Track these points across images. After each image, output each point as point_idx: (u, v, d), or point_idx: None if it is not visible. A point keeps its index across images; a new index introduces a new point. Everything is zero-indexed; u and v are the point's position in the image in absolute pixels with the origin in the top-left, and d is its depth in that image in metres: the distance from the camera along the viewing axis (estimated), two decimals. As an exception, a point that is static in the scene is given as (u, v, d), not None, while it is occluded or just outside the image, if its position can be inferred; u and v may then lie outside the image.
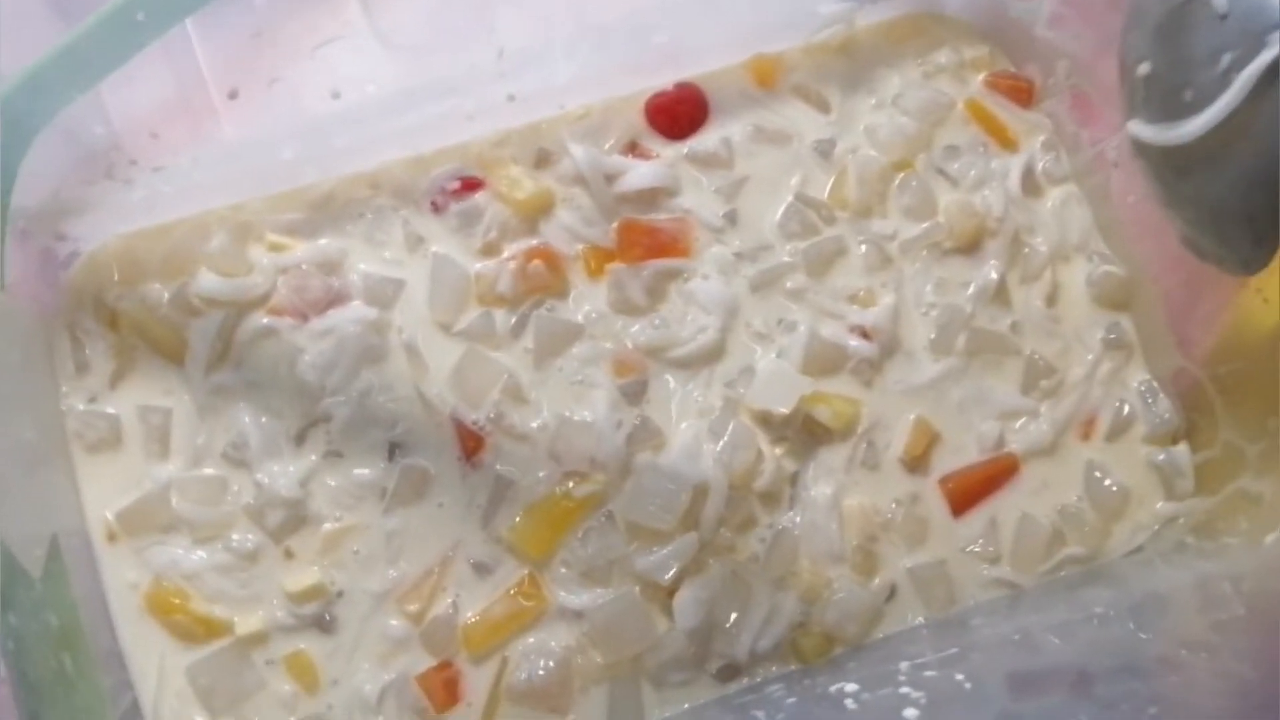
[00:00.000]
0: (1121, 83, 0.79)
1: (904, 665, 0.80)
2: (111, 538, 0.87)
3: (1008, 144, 1.02)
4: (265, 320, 0.91)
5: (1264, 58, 0.66)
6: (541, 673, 0.86)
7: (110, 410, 0.89)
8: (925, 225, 0.98)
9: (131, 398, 0.89)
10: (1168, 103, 0.73)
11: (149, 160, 0.87)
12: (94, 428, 0.88)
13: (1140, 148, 0.78)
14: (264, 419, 0.89)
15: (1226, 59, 0.68)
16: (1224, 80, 0.68)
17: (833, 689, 0.79)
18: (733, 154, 0.99)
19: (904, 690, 0.75)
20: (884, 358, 0.95)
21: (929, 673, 0.78)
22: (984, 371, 0.97)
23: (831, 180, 0.99)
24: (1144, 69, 0.75)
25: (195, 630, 0.85)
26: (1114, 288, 1.00)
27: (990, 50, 1.04)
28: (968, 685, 0.74)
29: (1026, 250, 0.99)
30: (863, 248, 0.98)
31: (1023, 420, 0.96)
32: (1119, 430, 0.97)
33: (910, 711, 0.71)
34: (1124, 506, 0.95)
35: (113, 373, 0.89)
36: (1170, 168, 0.75)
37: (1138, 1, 0.78)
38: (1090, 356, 0.98)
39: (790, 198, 0.98)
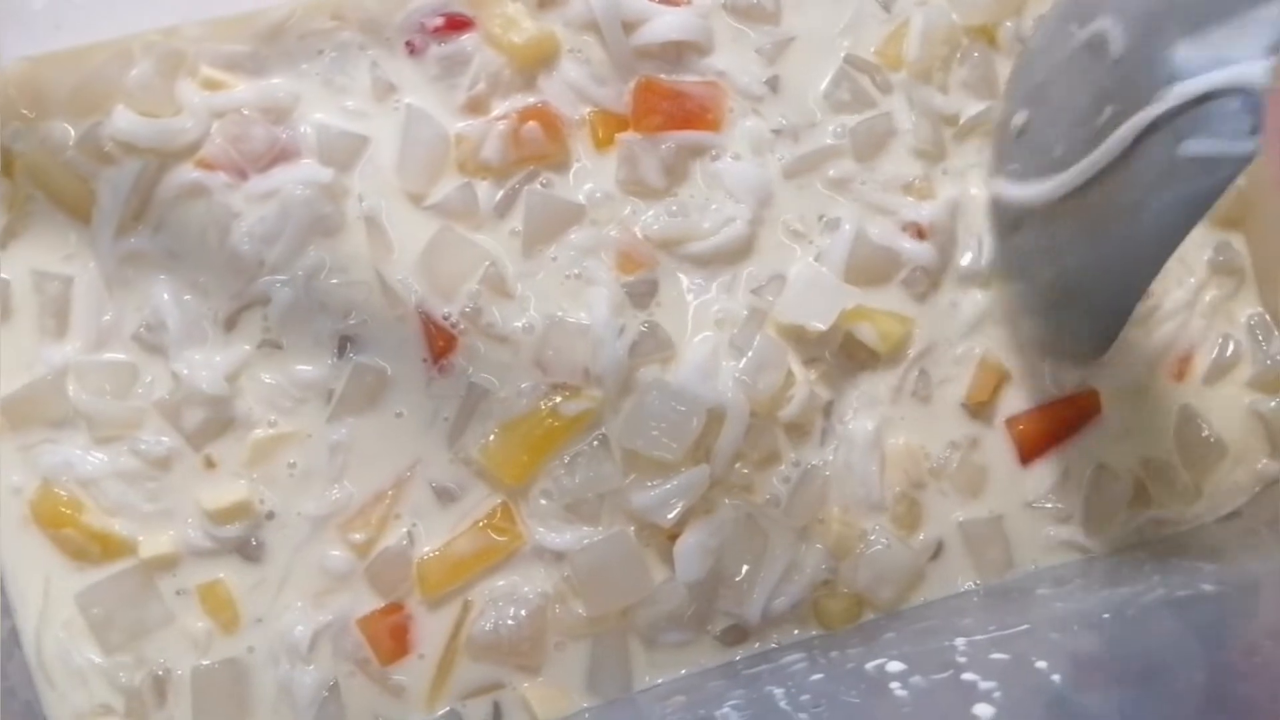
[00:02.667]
0: (994, 138, 0.79)
1: (960, 642, 0.68)
2: None
3: None
4: (194, 174, 0.77)
5: (1148, 112, 0.61)
6: (511, 623, 0.76)
7: (-1, 274, 0.77)
8: (986, 104, 0.85)
9: (25, 260, 0.77)
10: (1037, 158, 0.70)
11: (46, -47, 0.73)
12: None
13: (996, 211, 0.77)
14: (186, 297, 0.77)
15: (1108, 111, 0.64)
16: (1100, 135, 0.64)
17: (869, 666, 0.68)
18: (780, 5, 0.85)
19: (968, 676, 0.62)
20: (942, 265, 0.83)
21: (996, 655, 0.66)
22: (1063, 291, 0.84)
23: (888, 31, 0.85)
24: (1020, 119, 0.74)
25: (90, 548, 0.74)
26: (1229, 200, 0.86)
27: (1103, -101, 0.88)
28: (1055, 677, 0.62)
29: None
30: (913, 118, 0.84)
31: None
32: (1220, 371, 0.86)
33: (984, 709, 0.58)
34: (1219, 463, 0.85)
35: (3, 228, 0.77)
36: (1027, 233, 0.73)
37: (1031, 45, 0.78)
38: (1192, 280, 0.87)
39: (840, 61, 0.85)
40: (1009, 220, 0.74)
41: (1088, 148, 0.65)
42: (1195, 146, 0.59)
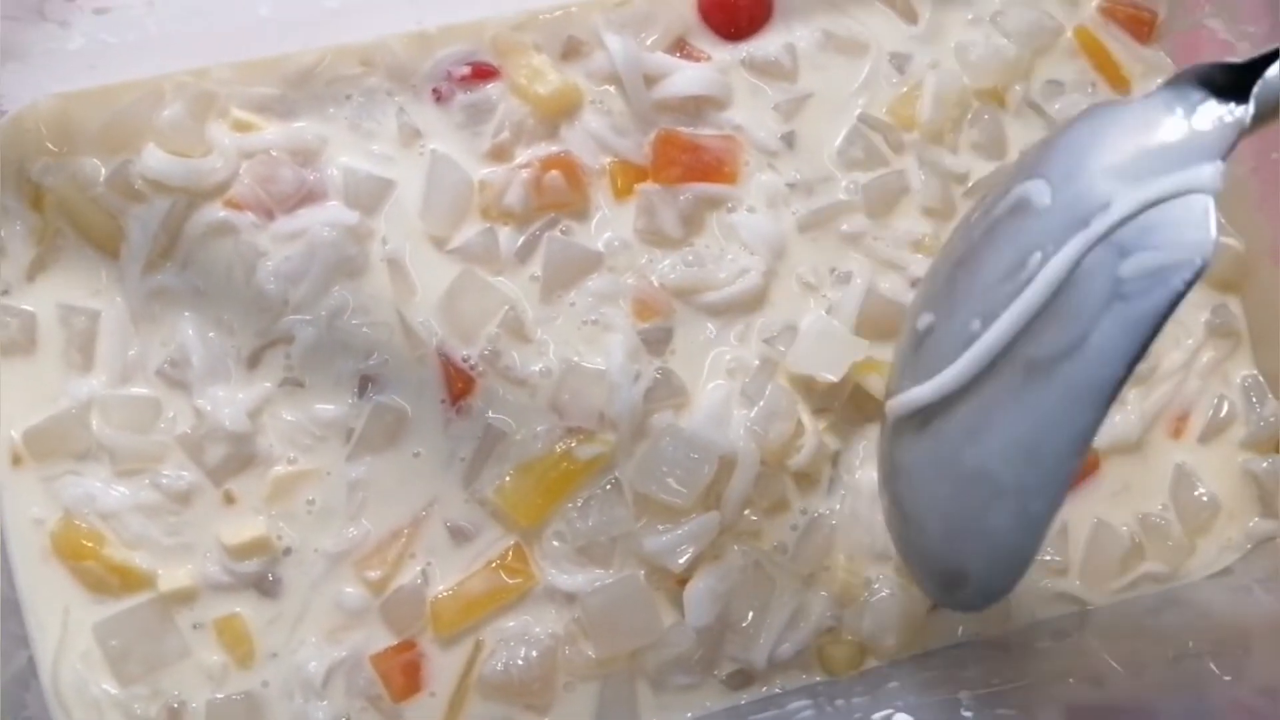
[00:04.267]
0: (892, 370, 0.67)
1: (964, 696, 0.70)
2: (16, 461, 0.76)
3: (1119, 84, 0.90)
4: (221, 214, 0.79)
5: (1085, 234, 0.53)
6: (521, 663, 0.76)
7: (26, 307, 0.78)
8: (996, 164, 0.87)
9: (52, 294, 0.78)
10: (947, 348, 0.59)
11: (91, -2, 0.73)
12: (4, 326, 0.77)
13: (892, 434, 0.64)
14: (211, 334, 0.78)
15: (1037, 258, 0.55)
16: (1028, 284, 0.55)
17: (876, 717, 0.70)
18: (797, 63, 0.86)
19: (976, 731, 0.64)
20: None
21: (1002, 710, 0.68)
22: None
23: (901, 93, 0.87)
24: (924, 320, 0.62)
25: (109, 581, 0.75)
26: (1226, 264, 0.88)
27: (1109, -29, 0.92)
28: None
29: (1123, 213, 0.86)
30: (923, 176, 0.86)
31: (1106, 409, 0.83)
32: (1215, 431, 0.87)
33: None
34: (1212, 520, 0.86)
35: (32, 262, 0.78)
36: (932, 439, 0.60)
37: (938, 255, 0.68)
38: (1190, 341, 0.88)
39: (854, 119, 0.86)
40: (910, 430, 0.62)
41: (1013, 300, 0.56)
42: (1142, 260, 0.52)
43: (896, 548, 0.65)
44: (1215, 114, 0.54)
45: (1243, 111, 0.52)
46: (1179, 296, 0.51)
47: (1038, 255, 0.55)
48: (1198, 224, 0.51)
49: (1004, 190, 0.61)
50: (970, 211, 0.66)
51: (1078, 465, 0.54)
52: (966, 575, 0.59)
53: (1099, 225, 0.53)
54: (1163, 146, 0.54)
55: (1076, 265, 0.53)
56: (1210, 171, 0.52)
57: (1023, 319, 0.54)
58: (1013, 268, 0.56)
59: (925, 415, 0.60)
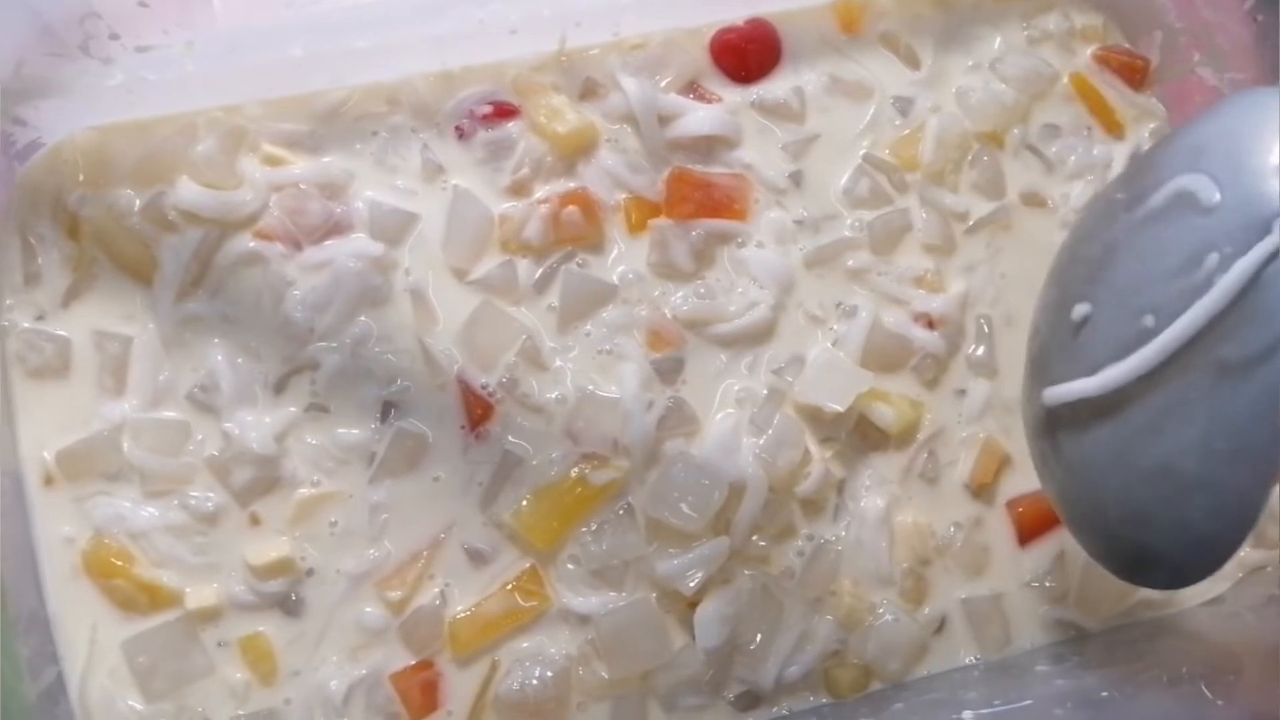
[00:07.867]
0: (1038, 350, 0.68)
1: (968, 716, 0.71)
2: (48, 481, 0.77)
3: (1113, 128, 0.93)
4: (251, 244, 0.81)
5: (1266, 244, 0.54)
6: (535, 682, 0.78)
7: (60, 332, 0.79)
8: (995, 205, 0.90)
9: (87, 320, 0.79)
10: (1114, 341, 0.60)
11: (134, 36, 0.75)
12: (39, 351, 0.78)
13: (1047, 424, 0.66)
14: (239, 359, 0.80)
15: (1213, 258, 0.57)
16: (1207, 284, 0.56)
17: (884, 738, 0.70)
18: (805, 106, 0.89)
19: (979, 751, 0.65)
20: (950, 354, 0.87)
21: None
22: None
23: (903, 135, 0.89)
24: (1081, 310, 0.64)
25: (138, 599, 0.76)
26: None
27: (1104, 21, 0.95)
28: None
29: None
30: (925, 215, 0.89)
31: (1103, 441, 0.85)
32: None
33: None
34: None
35: (67, 289, 0.80)
36: (1106, 431, 0.62)
37: (1079, 233, 0.68)
38: None
39: (859, 159, 0.89)
40: (1072, 419, 0.64)
41: (1193, 299, 0.57)
42: None
43: (1069, 529, 0.68)
44: None
45: None
46: None
47: (1214, 256, 0.56)
48: None
49: (1156, 180, 0.61)
50: (1106, 195, 0.66)
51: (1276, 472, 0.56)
52: (1156, 559, 0.62)
53: None
54: None
55: (1262, 269, 0.54)
56: None
57: (1206, 320, 0.55)
58: (1185, 264, 0.57)
59: (1093, 407, 0.61)
